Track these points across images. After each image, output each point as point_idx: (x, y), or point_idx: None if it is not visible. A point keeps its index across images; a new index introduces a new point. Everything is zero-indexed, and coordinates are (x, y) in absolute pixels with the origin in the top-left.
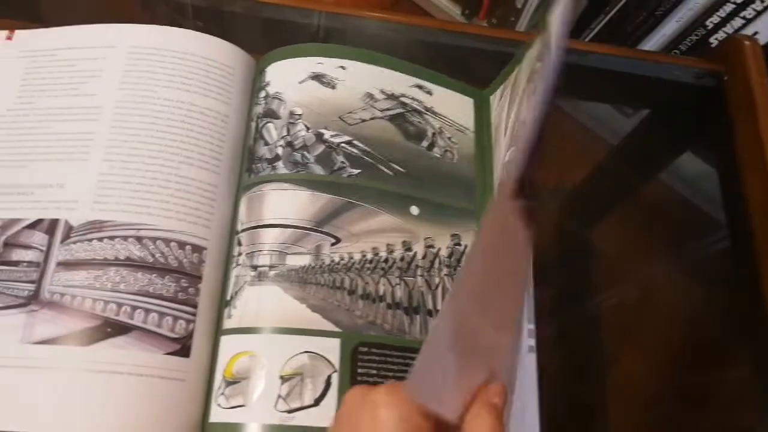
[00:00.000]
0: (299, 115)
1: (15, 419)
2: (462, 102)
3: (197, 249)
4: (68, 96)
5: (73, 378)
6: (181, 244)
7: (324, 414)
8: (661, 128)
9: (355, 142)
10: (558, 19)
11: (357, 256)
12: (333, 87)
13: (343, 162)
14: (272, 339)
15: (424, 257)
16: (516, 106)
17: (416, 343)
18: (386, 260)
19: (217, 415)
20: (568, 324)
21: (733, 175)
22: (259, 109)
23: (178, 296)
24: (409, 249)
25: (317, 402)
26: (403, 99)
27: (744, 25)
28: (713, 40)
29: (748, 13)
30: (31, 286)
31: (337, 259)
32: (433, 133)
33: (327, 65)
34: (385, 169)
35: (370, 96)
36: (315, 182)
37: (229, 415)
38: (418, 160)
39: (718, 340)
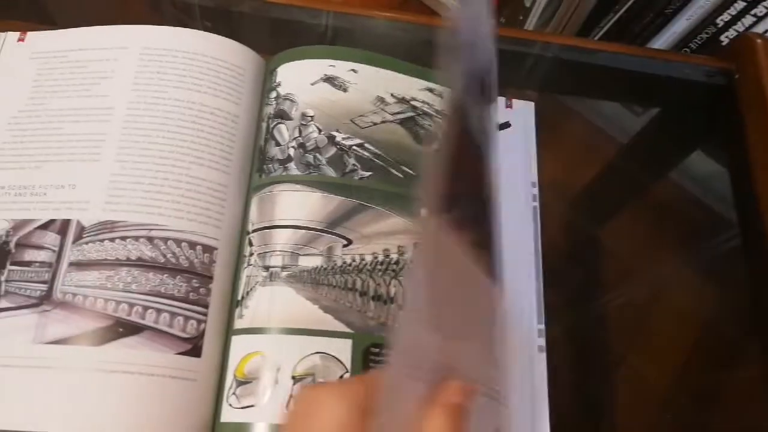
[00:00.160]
0: (311, 116)
1: (27, 419)
2: None
3: (208, 249)
4: (80, 97)
5: (84, 378)
6: (192, 245)
7: None
8: (671, 127)
9: (367, 145)
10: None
11: (368, 258)
12: (345, 90)
13: (354, 164)
14: (284, 339)
15: None
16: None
17: None
18: (397, 262)
19: (228, 415)
20: (578, 323)
21: (744, 174)
22: (269, 109)
23: (189, 296)
24: None
25: None
26: (413, 102)
27: (755, 23)
28: (724, 38)
29: (759, 10)
30: (44, 287)
31: (348, 261)
32: None
33: (339, 68)
34: (396, 172)
35: (381, 100)
36: (327, 184)
37: (241, 415)
38: None
39: (729, 340)
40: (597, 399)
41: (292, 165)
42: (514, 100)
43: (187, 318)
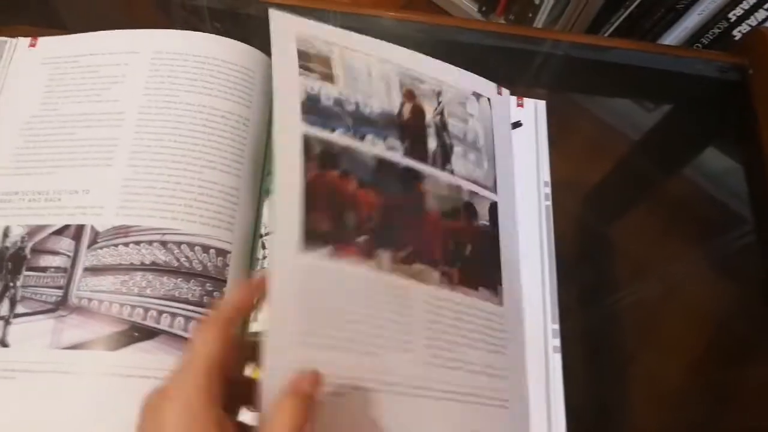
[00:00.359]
0: None
1: (44, 424)
2: None
3: (221, 252)
4: (92, 102)
5: (101, 382)
6: (205, 248)
7: None
8: (684, 123)
9: None
10: None
11: None
12: None
13: None
14: None
15: None
16: None
17: None
18: None
19: (244, 417)
20: (591, 322)
21: (758, 170)
22: None
23: (203, 300)
24: None
25: None
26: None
27: None
28: (736, 33)
29: None
30: (59, 292)
31: None
32: None
33: None
34: None
35: None
36: None
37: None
38: None
39: (742, 337)
40: (610, 397)
41: None
42: (525, 99)
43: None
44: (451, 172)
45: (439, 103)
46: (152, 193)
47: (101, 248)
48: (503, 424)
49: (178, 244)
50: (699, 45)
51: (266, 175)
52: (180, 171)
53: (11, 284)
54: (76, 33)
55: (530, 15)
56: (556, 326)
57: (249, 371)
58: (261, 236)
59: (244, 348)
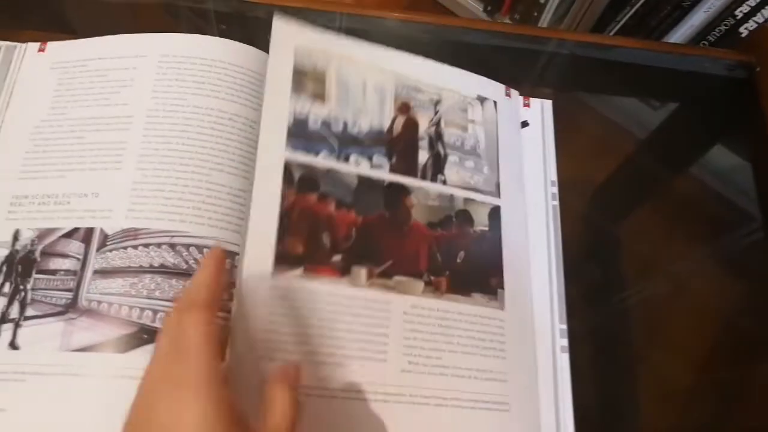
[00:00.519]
0: None
1: (54, 426)
2: None
3: (229, 255)
4: (100, 106)
5: (110, 385)
6: None
7: None
8: (690, 121)
9: None
10: None
11: None
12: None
13: None
14: None
15: None
16: None
17: None
18: None
19: None
20: (598, 321)
21: (766, 167)
22: None
23: None
24: None
25: None
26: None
27: None
28: (743, 30)
29: None
30: (69, 295)
31: None
32: None
33: None
34: None
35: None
36: None
37: None
38: None
39: (751, 335)
40: (618, 396)
41: None
42: (531, 99)
43: None
44: (443, 182)
45: (436, 112)
46: (161, 196)
47: (110, 251)
48: (503, 427)
49: (187, 246)
50: (705, 43)
51: None
52: (188, 174)
53: (21, 287)
54: (84, 37)
55: (535, 14)
56: (564, 326)
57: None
58: None
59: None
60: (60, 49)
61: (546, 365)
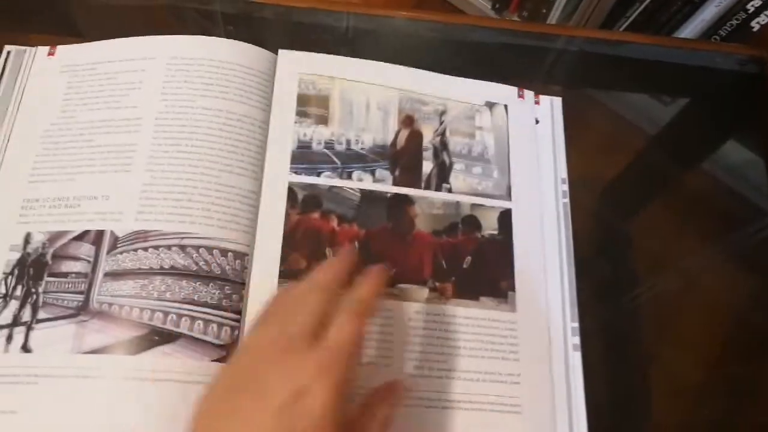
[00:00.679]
0: None
1: (66, 428)
2: None
3: (239, 255)
4: (110, 109)
5: (122, 386)
6: (224, 252)
7: None
8: (702, 116)
9: None
10: None
11: None
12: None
13: None
14: None
15: None
16: None
17: None
18: None
19: None
20: (610, 318)
21: None
22: None
23: (222, 303)
24: None
25: None
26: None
27: None
28: (755, 25)
29: None
30: (80, 297)
31: None
32: None
33: None
34: None
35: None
36: None
37: None
38: None
39: (763, 331)
40: (631, 394)
41: None
42: (541, 97)
43: (221, 325)
44: (449, 190)
45: (441, 123)
46: (170, 198)
47: (121, 253)
48: (515, 429)
49: (197, 247)
50: (716, 37)
51: None
52: (197, 175)
53: (33, 290)
54: (92, 40)
55: (544, 11)
56: (576, 324)
57: None
58: None
59: None
60: (69, 52)
61: (558, 364)
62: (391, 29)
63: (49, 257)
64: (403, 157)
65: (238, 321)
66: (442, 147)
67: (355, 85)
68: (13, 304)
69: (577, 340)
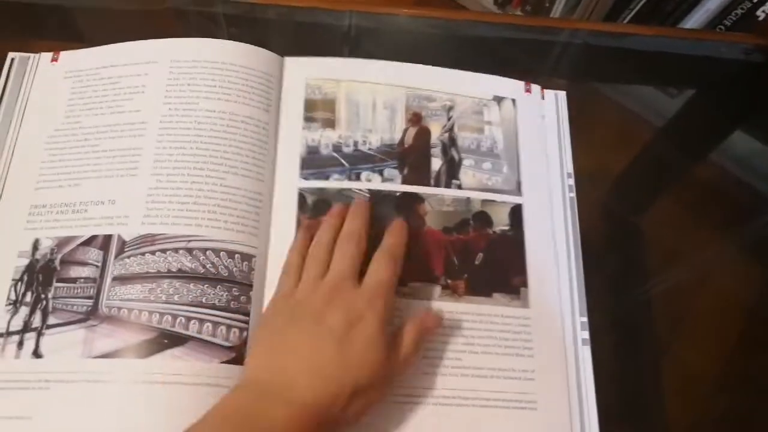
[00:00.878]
0: None
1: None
2: None
3: (246, 257)
4: (114, 113)
5: (132, 390)
6: (231, 254)
7: None
8: (709, 107)
9: None
10: None
11: None
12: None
13: None
14: None
15: None
16: None
17: None
18: None
19: None
20: (622, 312)
21: None
22: None
23: (230, 305)
24: None
25: None
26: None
27: None
28: (760, 14)
29: None
30: (89, 302)
31: None
32: None
33: None
34: None
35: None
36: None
37: None
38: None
39: None
40: (644, 388)
41: None
42: (546, 91)
43: (229, 327)
44: (459, 186)
45: (449, 119)
46: (176, 201)
47: (128, 257)
48: (531, 425)
49: (204, 250)
50: (722, 27)
51: None
52: (203, 177)
53: (42, 296)
54: (96, 46)
55: (547, 5)
56: (585, 319)
57: None
58: None
59: None
60: (72, 58)
61: (569, 358)
62: (394, 27)
63: (57, 263)
64: (412, 155)
65: (246, 323)
66: (450, 143)
67: (361, 85)
68: (23, 311)
69: (586, 334)
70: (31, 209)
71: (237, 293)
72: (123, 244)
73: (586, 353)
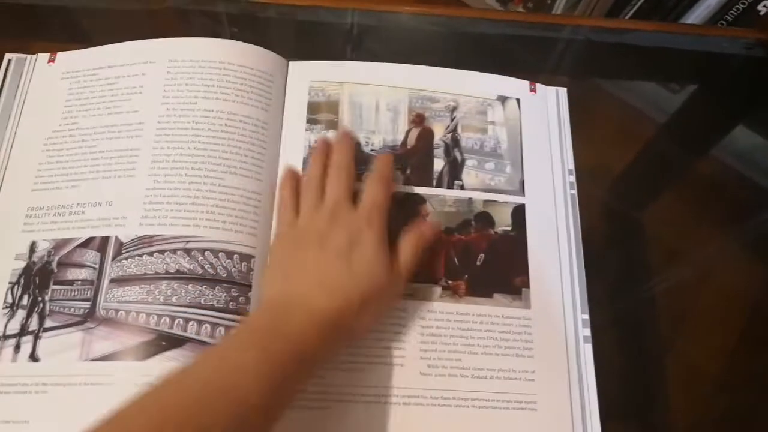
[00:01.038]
0: None
1: None
2: None
3: (245, 258)
4: (111, 114)
5: (131, 392)
6: (229, 254)
7: None
8: (711, 102)
9: None
10: None
11: None
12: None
13: None
14: None
15: None
16: None
17: None
18: None
19: None
20: (625, 310)
21: None
22: None
23: (229, 306)
24: None
25: None
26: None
27: None
28: (761, 8)
29: None
30: (87, 304)
31: None
32: None
33: None
34: None
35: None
36: None
37: None
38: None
39: None
40: (648, 386)
41: None
42: (546, 86)
43: (228, 328)
44: (461, 186)
45: (452, 119)
46: (174, 202)
47: (126, 259)
48: (531, 426)
49: (202, 251)
50: (723, 22)
51: None
52: (201, 178)
53: (39, 299)
54: (100, 46)
55: (549, 1)
56: (586, 316)
57: None
58: None
59: None
60: (69, 59)
61: (570, 357)
62: (397, 24)
63: (54, 265)
64: (414, 156)
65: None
66: (453, 144)
67: (364, 87)
68: (20, 314)
69: (587, 331)
70: (28, 211)
71: (236, 294)
72: (120, 246)
73: (587, 351)
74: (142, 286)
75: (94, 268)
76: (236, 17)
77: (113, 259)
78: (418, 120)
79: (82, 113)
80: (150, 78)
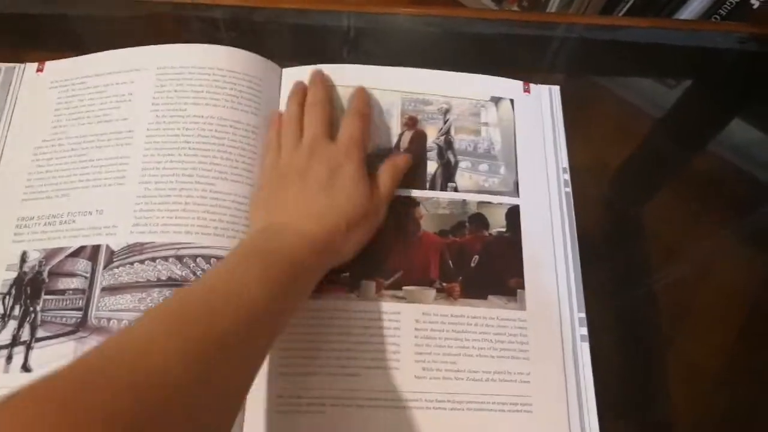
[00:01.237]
0: None
1: None
2: None
3: None
4: (101, 122)
5: None
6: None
7: None
8: (707, 97)
9: None
10: None
11: None
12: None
13: None
14: None
15: None
16: None
17: None
18: None
19: None
20: (624, 307)
21: None
22: None
23: None
24: None
25: None
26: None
27: None
28: (755, 2)
29: None
30: (79, 314)
31: None
32: None
33: None
34: None
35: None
36: None
37: None
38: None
39: None
40: (647, 383)
41: None
42: (540, 85)
43: None
44: (455, 189)
45: (445, 122)
46: (165, 209)
47: (117, 267)
48: (526, 428)
49: (194, 257)
50: (717, 17)
51: None
52: (191, 184)
53: (31, 309)
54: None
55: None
56: (583, 315)
57: None
58: None
59: None
60: (58, 68)
61: (567, 356)
62: (393, 26)
63: (45, 275)
64: None
65: None
66: (446, 146)
67: None
68: (12, 324)
69: (584, 330)
70: (18, 221)
71: None
72: (112, 254)
73: (584, 350)
74: (134, 294)
75: (86, 277)
76: (232, 22)
77: (104, 267)
78: (411, 123)
79: (72, 122)
80: (139, 85)
